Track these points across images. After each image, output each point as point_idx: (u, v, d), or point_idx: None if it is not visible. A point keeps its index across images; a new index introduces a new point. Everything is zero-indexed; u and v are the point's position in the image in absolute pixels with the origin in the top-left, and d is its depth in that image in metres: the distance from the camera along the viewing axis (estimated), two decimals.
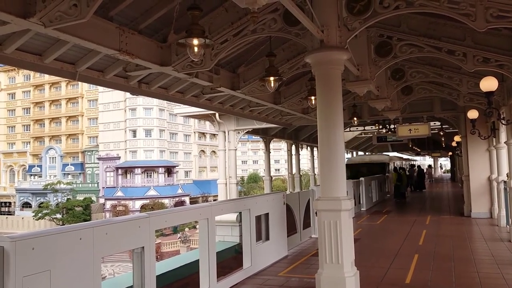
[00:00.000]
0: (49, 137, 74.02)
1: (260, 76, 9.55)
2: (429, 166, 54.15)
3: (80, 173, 69.64)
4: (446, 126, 21.12)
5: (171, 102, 13.08)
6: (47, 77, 69.72)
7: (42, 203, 61.11)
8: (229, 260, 8.25)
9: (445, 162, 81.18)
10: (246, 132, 18.05)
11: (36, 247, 3.63)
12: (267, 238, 8.60)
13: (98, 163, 65.50)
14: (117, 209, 58.33)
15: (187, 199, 62.39)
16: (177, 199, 60.94)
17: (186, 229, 44.15)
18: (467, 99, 12.83)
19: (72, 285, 3.97)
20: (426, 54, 8.85)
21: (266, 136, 20.76)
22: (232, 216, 8.40)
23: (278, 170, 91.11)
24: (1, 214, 65.67)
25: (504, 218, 12.65)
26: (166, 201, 58.35)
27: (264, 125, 17.40)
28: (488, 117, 10.64)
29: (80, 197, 61.48)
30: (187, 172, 72.48)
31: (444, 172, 73.50)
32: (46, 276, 3.70)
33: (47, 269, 3.71)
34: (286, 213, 9.56)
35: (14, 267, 3.44)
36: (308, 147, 26.85)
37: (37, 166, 70.59)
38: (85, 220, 48.59)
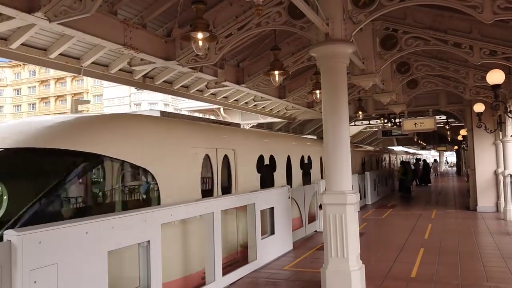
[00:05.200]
0: None
1: (264, 70, 9.53)
2: (435, 160, 54.03)
3: None
4: (452, 119, 21.00)
5: (175, 97, 13.12)
6: (52, 73, 69.95)
7: None
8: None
9: (450, 157, 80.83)
10: (250, 127, 18.04)
11: (43, 241, 3.66)
12: (272, 232, 8.61)
13: None
14: None
15: None
16: None
17: None
18: (473, 93, 12.76)
19: (79, 278, 4.00)
20: (432, 47, 8.80)
21: (271, 130, 20.75)
22: None
23: None
24: None
25: (510, 212, 12.59)
26: None
27: (269, 120, 17.40)
28: (494, 110, 10.58)
29: None
30: None
31: (450, 166, 73.18)
32: (53, 269, 3.73)
33: (54, 262, 3.74)
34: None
35: (21, 260, 3.47)
36: None
37: None
38: None
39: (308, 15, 5.66)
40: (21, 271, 3.47)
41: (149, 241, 4.99)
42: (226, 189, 8.07)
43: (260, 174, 9.29)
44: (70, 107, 7.77)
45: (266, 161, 9.79)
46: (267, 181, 9.80)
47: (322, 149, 14.05)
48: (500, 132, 13.30)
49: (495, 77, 8.13)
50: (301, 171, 11.97)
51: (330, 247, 5.99)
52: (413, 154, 50.31)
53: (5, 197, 4.82)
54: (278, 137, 12.57)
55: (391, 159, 29.93)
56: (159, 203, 6.02)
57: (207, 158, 7.50)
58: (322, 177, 13.86)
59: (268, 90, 12.15)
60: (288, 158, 11.16)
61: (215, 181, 7.67)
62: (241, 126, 18.22)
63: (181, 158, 6.72)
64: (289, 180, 11.02)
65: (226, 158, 8.09)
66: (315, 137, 16.22)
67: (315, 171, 13.25)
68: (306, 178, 12.40)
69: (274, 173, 10.19)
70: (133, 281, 5.20)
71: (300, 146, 12.82)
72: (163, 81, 10.12)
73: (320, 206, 7.17)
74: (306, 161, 12.55)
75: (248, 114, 16.92)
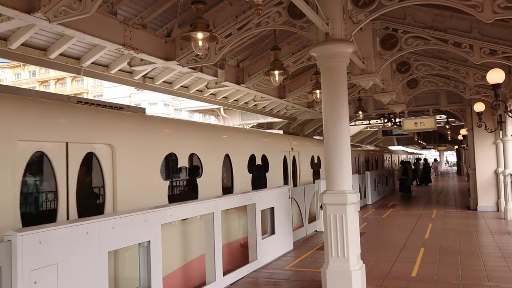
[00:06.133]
0: None
1: (265, 70, 9.53)
2: (435, 160, 54.03)
3: None
4: (452, 119, 21.01)
5: (176, 97, 13.13)
6: (52, 73, 69.96)
7: None
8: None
9: (451, 157, 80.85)
10: (250, 127, 18.05)
11: (43, 241, 3.65)
12: (273, 232, 8.61)
13: None
14: None
15: None
16: None
17: None
18: (474, 92, 12.77)
19: (79, 278, 4.00)
20: (432, 47, 8.80)
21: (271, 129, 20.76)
22: None
23: None
24: None
25: (510, 212, 12.58)
26: None
27: (269, 119, 17.40)
28: (495, 110, 10.58)
29: None
30: None
31: (450, 166, 73.18)
32: (53, 269, 3.73)
33: (54, 263, 3.74)
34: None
35: (21, 261, 3.46)
36: None
37: None
38: None
39: (308, 15, 5.65)
40: (22, 271, 3.46)
41: (149, 241, 4.99)
42: (94, 209, 5.32)
43: (168, 183, 6.62)
44: None
45: (182, 163, 6.97)
46: (184, 192, 7.33)
47: (289, 147, 11.43)
48: (501, 132, 13.29)
49: (495, 76, 8.11)
50: (250, 175, 9.24)
51: (331, 247, 5.99)
52: (411, 153, 50.17)
53: None
54: (208, 129, 8.99)
55: (386, 158, 29.25)
56: None
57: (42, 158, 4.80)
58: (287, 182, 11.10)
59: (268, 90, 12.15)
60: (227, 158, 8.40)
61: (62, 198, 4.87)
62: (242, 126, 17.93)
63: None
64: (228, 189, 8.36)
65: (91, 158, 5.34)
66: (281, 132, 13.36)
67: (274, 175, 10.29)
68: (260, 185, 9.62)
69: (199, 180, 7.37)
70: (133, 281, 5.20)
71: (248, 143, 9.73)
72: (163, 81, 10.13)
73: (321, 206, 6.88)
74: (259, 162, 9.74)
75: (248, 114, 16.92)
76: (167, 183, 6.59)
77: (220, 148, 8.29)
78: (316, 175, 13.60)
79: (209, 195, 7.28)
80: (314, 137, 17.16)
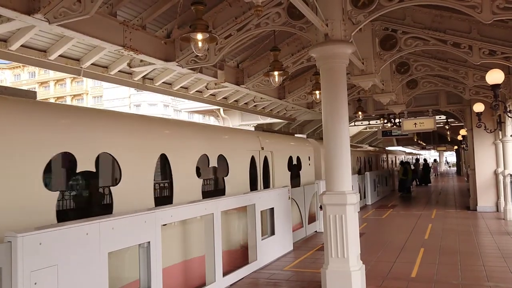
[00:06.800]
0: None
1: (264, 70, 9.53)
2: (434, 160, 54.07)
3: None
4: (452, 119, 21.01)
5: (175, 98, 13.12)
6: (52, 74, 69.95)
7: None
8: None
9: (450, 157, 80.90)
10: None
11: (43, 242, 3.65)
12: (273, 233, 8.61)
13: None
14: None
15: None
16: None
17: None
18: (473, 92, 12.78)
19: (79, 279, 4.00)
20: (431, 47, 8.82)
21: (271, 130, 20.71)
22: None
23: None
24: None
25: (510, 212, 12.59)
26: None
27: (269, 120, 17.41)
28: (494, 110, 10.58)
29: None
30: None
31: (449, 167, 73.19)
32: (53, 271, 3.73)
33: (54, 264, 3.74)
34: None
35: (21, 262, 3.47)
36: None
37: None
38: None
39: (307, 16, 5.66)
40: (22, 272, 3.46)
41: (149, 242, 4.99)
42: None
43: (58, 194, 4.91)
44: None
45: (84, 166, 5.19)
46: (87, 205, 5.83)
47: (258, 145, 9.35)
48: (500, 132, 13.30)
49: (495, 76, 8.13)
50: (200, 181, 7.53)
51: (331, 248, 6.00)
52: (409, 153, 50.08)
53: None
54: (130, 121, 6.73)
55: (383, 159, 28.91)
56: None
57: None
58: (255, 187, 9.48)
59: (268, 90, 12.15)
60: (164, 159, 6.68)
61: None
62: (241, 127, 18.37)
63: None
64: (164, 198, 6.69)
65: None
66: (251, 128, 11.00)
67: (235, 180, 8.65)
68: (214, 192, 8.13)
69: (114, 189, 5.64)
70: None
71: (197, 140, 7.87)
72: (163, 82, 10.13)
73: (321, 207, 6.82)
74: (214, 164, 8.05)
75: (248, 115, 16.92)
76: (56, 194, 4.84)
77: (151, 146, 6.43)
78: (295, 178, 11.70)
79: (131, 208, 5.57)
80: (296, 135, 14.97)
